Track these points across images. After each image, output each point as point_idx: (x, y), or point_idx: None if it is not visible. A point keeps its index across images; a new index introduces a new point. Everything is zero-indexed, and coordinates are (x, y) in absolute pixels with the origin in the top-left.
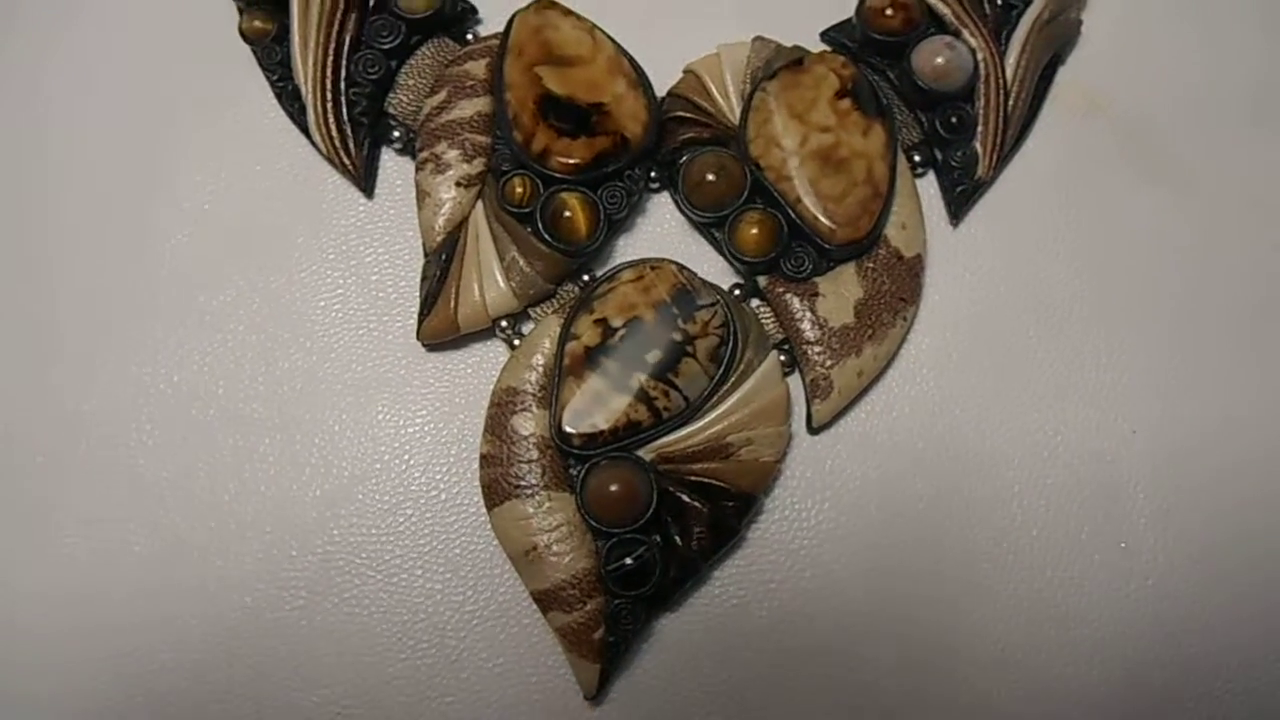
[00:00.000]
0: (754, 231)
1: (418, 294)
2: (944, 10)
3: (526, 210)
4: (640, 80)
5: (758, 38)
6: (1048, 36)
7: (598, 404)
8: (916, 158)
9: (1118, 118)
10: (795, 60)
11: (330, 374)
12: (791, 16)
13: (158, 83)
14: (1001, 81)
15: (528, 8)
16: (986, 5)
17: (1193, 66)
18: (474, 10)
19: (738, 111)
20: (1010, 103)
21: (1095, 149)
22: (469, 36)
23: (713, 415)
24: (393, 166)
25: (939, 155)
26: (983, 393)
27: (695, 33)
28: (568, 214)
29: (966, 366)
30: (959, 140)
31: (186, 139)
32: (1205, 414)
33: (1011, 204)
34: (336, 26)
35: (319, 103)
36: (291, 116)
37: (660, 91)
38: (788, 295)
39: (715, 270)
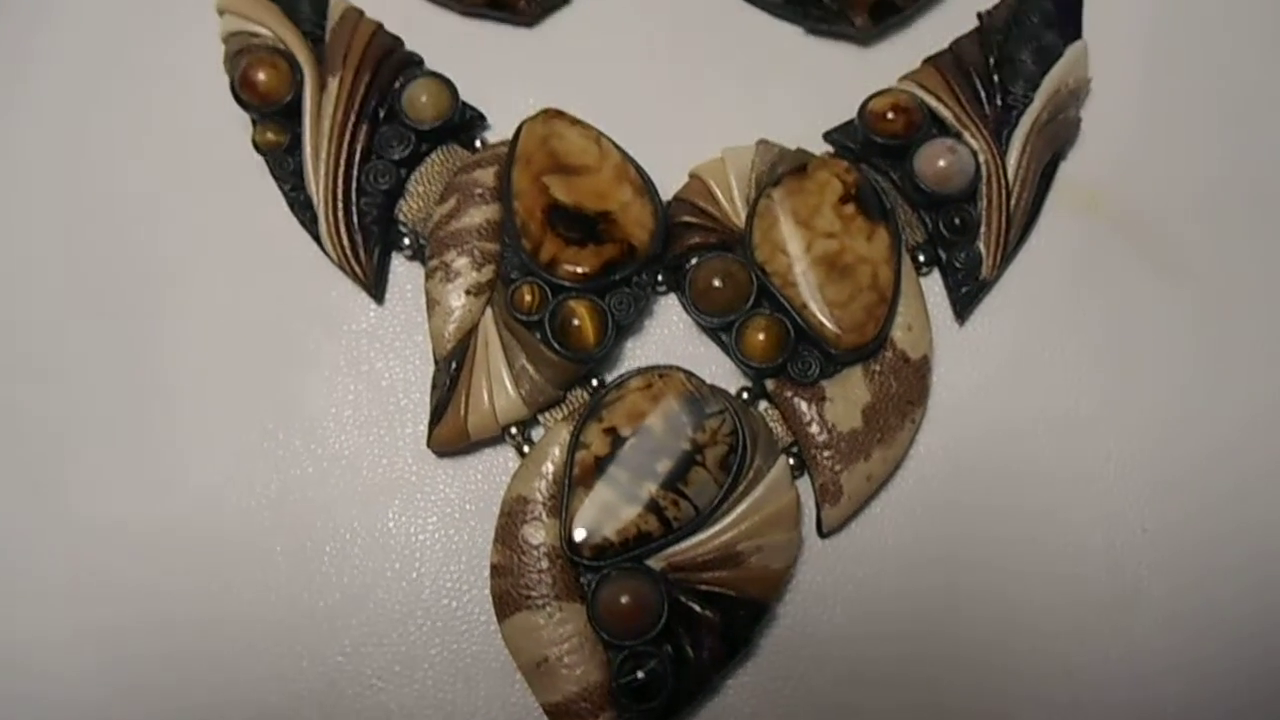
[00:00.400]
0: (760, 337)
1: (428, 400)
2: (945, 113)
3: (535, 318)
4: (646, 187)
5: (761, 141)
6: (1048, 136)
7: (608, 514)
8: (921, 258)
9: (1120, 214)
10: (799, 166)
11: (341, 480)
12: (795, 118)
13: (174, 191)
14: (1003, 182)
15: (535, 116)
16: (987, 106)
17: (1195, 161)
18: (482, 117)
19: (743, 215)
20: (1013, 202)
21: (1098, 245)
22: (477, 144)
23: (723, 523)
24: (403, 272)
25: (943, 255)
26: (993, 492)
27: (701, 136)
28: (576, 322)
29: (977, 466)
30: (962, 241)
31: (202, 246)
32: (1221, 512)
33: (1017, 301)
34: (348, 138)
35: (330, 212)
36: (304, 224)
37: (667, 195)
38: (795, 399)
39: (724, 372)
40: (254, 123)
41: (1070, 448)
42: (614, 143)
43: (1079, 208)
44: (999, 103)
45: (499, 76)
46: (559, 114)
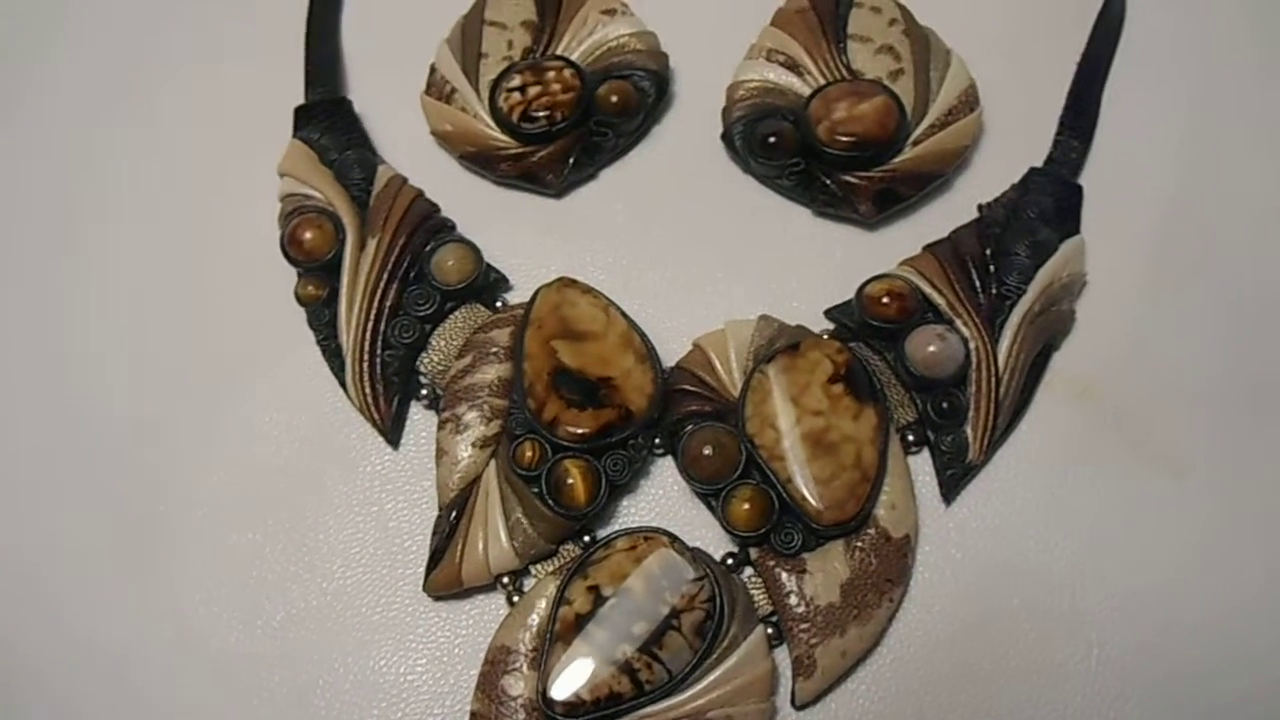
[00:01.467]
0: (745, 506)
1: (428, 545)
2: (939, 299)
3: (534, 474)
4: (649, 354)
5: (763, 316)
6: (1040, 327)
7: (583, 672)
8: (910, 437)
9: (1112, 405)
10: (793, 344)
11: (341, 616)
12: (800, 293)
13: (214, 334)
14: (993, 369)
15: (551, 284)
16: (981, 295)
17: (1188, 358)
18: (505, 280)
19: (739, 387)
20: (1001, 390)
21: (1090, 434)
22: (498, 304)
23: (695, 689)
24: (420, 420)
25: (932, 436)
26: (970, 674)
27: (709, 306)
28: (570, 481)
29: (955, 650)
30: (950, 425)
31: (237, 386)
32: (1210, 717)
33: (1005, 486)
34: (379, 294)
35: (356, 362)
36: (333, 371)
37: (671, 361)
38: (777, 569)
39: (713, 536)
40: (300, 275)
41: (1052, 638)
42: (622, 311)
43: (1072, 397)
44: (994, 292)
45: (525, 242)
46: (573, 283)
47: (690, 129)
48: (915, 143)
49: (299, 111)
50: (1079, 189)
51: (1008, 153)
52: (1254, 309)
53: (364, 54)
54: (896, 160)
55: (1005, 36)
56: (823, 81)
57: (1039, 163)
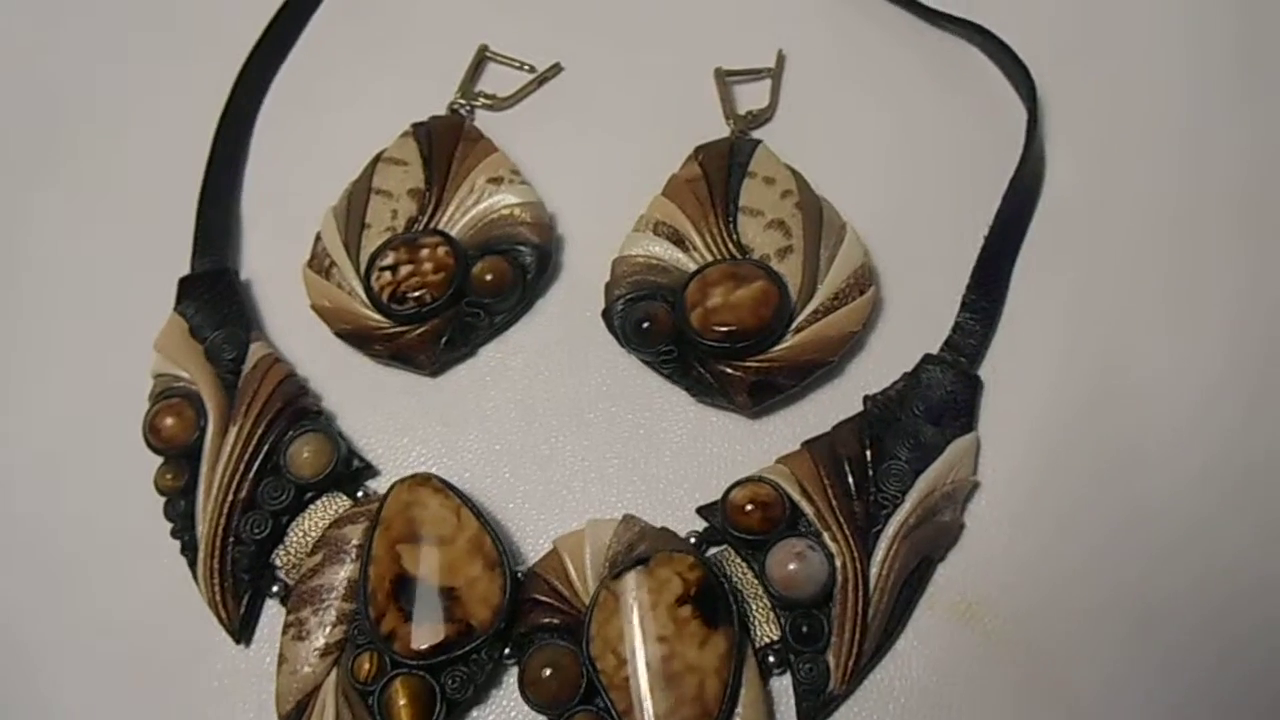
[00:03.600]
0: None
1: None
2: (808, 508)
3: (370, 689)
4: (500, 560)
5: (627, 517)
6: (917, 541)
7: None
8: (771, 659)
9: (999, 627)
10: (643, 558)
11: None
12: (676, 484)
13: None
14: (861, 589)
15: (404, 481)
16: (856, 503)
17: (1087, 571)
18: (369, 467)
19: (591, 597)
20: (870, 612)
21: (973, 661)
22: (360, 494)
23: None
24: (277, 614)
25: (793, 659)
26: None
27: (581, 495)
28: (402, 702)
29: None
30: (808, 651)
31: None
32: None
33: (876, 712)
34: (234, 487)
35: (208, 556)
36: (189, 563)
37: (536, 555)
38: None
39: None
40: (160, 464)
41: None
42: (476, 512)
43: (954, 617)
44: (871, 499)
45: (399, 423)
46: (426, 480)
47: (575, 303)
48: (798, 329)
49: (182, 283)
50: (976, 381)
51: (905, 334)
52: (1162, 521)
53: (268, 216)
54: (776, 349)
55: (909, 202)
56: (709, 258)
57: (938, 345)
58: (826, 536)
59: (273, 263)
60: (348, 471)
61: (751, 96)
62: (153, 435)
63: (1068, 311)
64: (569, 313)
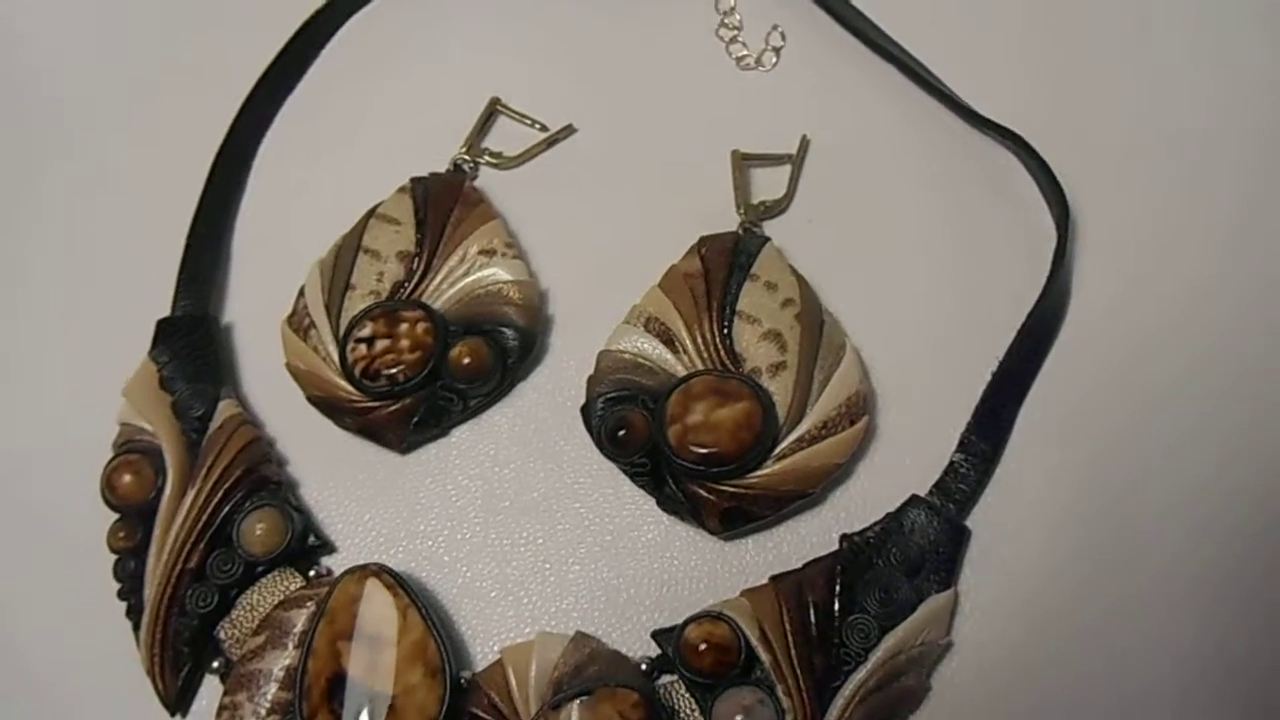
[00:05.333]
0: None
1: None
2: (765, 657)
3: None
4: (442, 668)
5: (579, 634)
6: (873, 705)
7: None
8: None
9: None
10: (585, 690)
11: None
12: (643, 600)
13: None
14: None
15: (354, 572)
16: (818, 656)
17: None
18: (324, 545)
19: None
20: None
21: None
22: (312, 572)
23: None
24: (216, 686)
25: None
26: None
27: (539, 599)
28: None
29: None
30: None
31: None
32: None
33: None
34: (184, 555)
35: (151, 624)
36: (133, 627)
37: (485, 661)
38: None
39: None
40: (114, 520)
41: None
42: (424, 614)
43: None
44: (834, 652)
45: (363, 498)
46: (377, 573)
47: (557, 389)
48: (780, 456)
49: (160, 325)
50: (963, 531)
51: (896, 465)
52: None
53: (259, 255)
54: (754, 476)
55: (919, 318)
56: (698, 363)
57: (929, 482)
58: (780, 690)
59: (258, 307)
60: (301, 548)
61: (768, 182)
62: (109, 492)
63: (1075, 463)
64: (549, 400)
